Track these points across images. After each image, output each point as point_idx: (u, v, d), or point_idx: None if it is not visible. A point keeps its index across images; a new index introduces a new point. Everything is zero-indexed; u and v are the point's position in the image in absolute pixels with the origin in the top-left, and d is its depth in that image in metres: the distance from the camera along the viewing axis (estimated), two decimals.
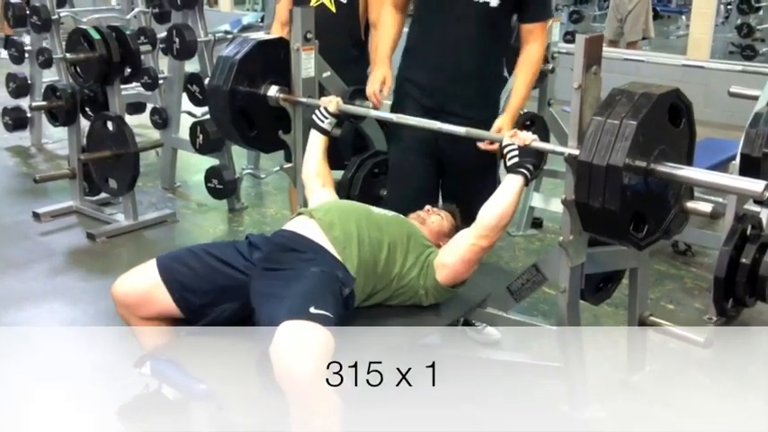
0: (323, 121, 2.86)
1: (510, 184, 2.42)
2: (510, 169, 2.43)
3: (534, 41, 2.86)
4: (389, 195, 3.10)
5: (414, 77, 2.94)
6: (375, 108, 2.96)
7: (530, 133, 2.44)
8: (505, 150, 2.44)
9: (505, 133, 2.49)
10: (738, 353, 3.16)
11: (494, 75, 2.97)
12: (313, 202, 2.75)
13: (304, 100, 2.97)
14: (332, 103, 2.85)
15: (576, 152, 2.18)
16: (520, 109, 2.87)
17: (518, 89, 2.86)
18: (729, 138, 4.81)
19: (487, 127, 2.75)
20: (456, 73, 2.86)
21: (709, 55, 7.44)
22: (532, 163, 2.41)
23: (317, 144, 2.87)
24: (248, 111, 2.99)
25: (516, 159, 2.41)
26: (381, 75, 2.95)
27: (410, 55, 2.98)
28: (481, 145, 2.71)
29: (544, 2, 2.87)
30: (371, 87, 2.96)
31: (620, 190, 2.05)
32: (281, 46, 3.02)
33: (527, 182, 2.43)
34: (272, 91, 2.98)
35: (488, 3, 2.74)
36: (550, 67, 4.04)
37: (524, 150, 2.41)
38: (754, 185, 2.06)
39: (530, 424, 2.70)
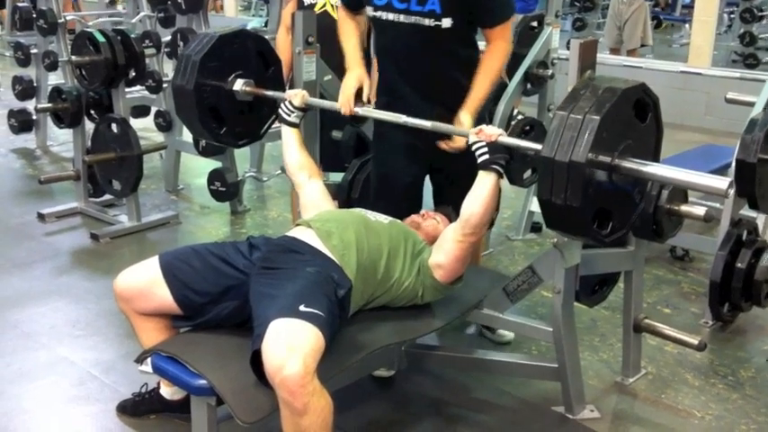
0: (289, 115, 2.83)
1: (484, 183, 2.37)
2: (481, 166, 2.38)
3: (498, 39, 2.73)
4: (375, 197, 3.04)
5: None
6: (348, 114, 2.79)
7: (496, 128, 2.40)
8: (474, 148, 2.40)
9: (471, 131, 2.43)
10: (733, 357, 3.20)
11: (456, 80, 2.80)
12: (304, 199, 2.74)
13: (270, 93, 2.95)
14: (297, 96, 2.84)
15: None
16: (480, 101, 2.71)
17: (478, 82, 2.71)
18: (730, 145, 4.84)
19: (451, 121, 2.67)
20: (417, 79, 2.82)
21: (711, 63, 7.47)
22: (503, 158, 2.37)
23: (290, 138, 2.83)
24: (216, 107, 2.96)
25: (486, 156, 2.37)
26: (355, 78, 2.79)
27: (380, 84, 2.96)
28: (442, 144, 2.66)
29: (501, 4, 2.72)
30: (344, 95, 2.77)
31: (583, 186, 1.98)
32: (242, 38, 3.00)
33: (501, 176, 2.39)
34: (238, 85, 2.94)
35: (440, 24, 2.64)
36: (550, 72, 4.07)
37: (493, 146, 2.37)
38: (719, 183, 2.01)
39: (525, 425, 2.74)
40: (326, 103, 2.92)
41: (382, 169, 3.02)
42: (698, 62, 7.31)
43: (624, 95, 2.03)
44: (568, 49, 2.44)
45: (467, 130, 2.48)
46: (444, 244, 2.49)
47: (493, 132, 2.37)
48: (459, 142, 2.61)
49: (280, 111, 2.87)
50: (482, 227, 2.44)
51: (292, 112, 2.84)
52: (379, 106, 2.86)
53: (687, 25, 10.68)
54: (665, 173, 2.10)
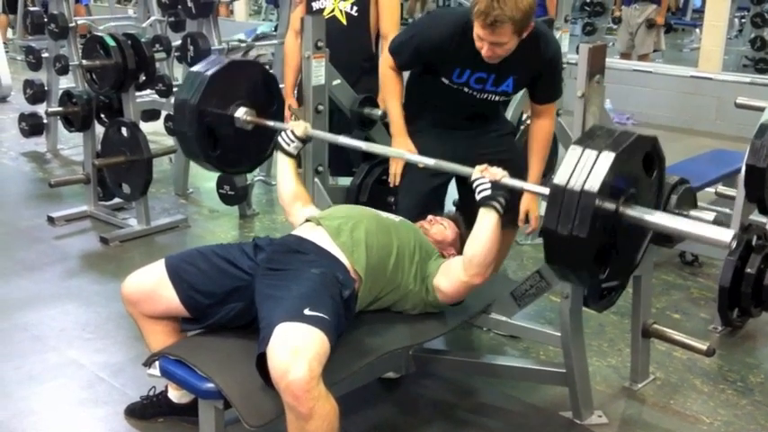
0: (288, 145, 2.81)
1: (484, 222, 2.38)
2: (480, 202, 2.40)
3: (547, 118, 2.97)
4: (400, 201, 3.10)
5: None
6: (393, 184, 2.96)
7: (500, 169, 2.41)
8: (475, 185, 2.42)
9: (476, 168, 2.45)
10: (742, 362, 3.18)
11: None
12: (298, 224, 2.69)
13: (271, 123, 2.93)
14: (299, 127, 2.82)
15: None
16: (539, 180, 2.95)
17: (535, 167, 2.95)
18: (740, 150, 4.83)
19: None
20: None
21: (722, 67, 7.46)
22: (504, 197, 2.38)
23: (287, 168, 2.80)
24: (213, 129, 2.93)
25: (487, 193, 2.39)
26: (405, 151, 2.91)
27: (424, 108, 3.04)
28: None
29: (555, 85, 2.95)
30: (395, 168, 2.94)
31: (592, 218, 1.98)
32: (253, 68, 3.01)
33: (500, 215, 2.39)
34: (240, 112, 2.93)
35: (508, 100, 2.91)
36: None
37: (495, 185, 2.38)
38: (723, 235, 1.98)
39: (532, 430, 2.73)
40: (329, 136, 2.93)
41: (411, 172, 3.03)
42: (708, 67, 7.29)
43: (639, 140, 2.08)
44: (578, 53, 2.43)
45: (470, 169, 2.48)
46: (450, 274, 2.47)
47: (497, 172, 2.40)
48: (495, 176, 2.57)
49: (279, 139, 2.84)
50: (486, 267, 2.41)
51: (292, 141, 2.82)
52: (421, 121, 3.01)
53: (698, 30, 10.65)
54: (668, 222, 2.09)
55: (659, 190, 2.23)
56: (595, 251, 2.05)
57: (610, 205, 2.03)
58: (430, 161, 2.60)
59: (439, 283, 2.48)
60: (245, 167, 3.12)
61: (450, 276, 2.47)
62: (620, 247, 2.13)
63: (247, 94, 2.97)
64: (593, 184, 1.98)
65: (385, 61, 2.99)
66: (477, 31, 2.60)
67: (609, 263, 2.11)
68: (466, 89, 2.86)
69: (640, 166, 2.14)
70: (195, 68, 2.95)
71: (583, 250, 2.03)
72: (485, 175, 2.40)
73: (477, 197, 2.40)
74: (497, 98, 2.93)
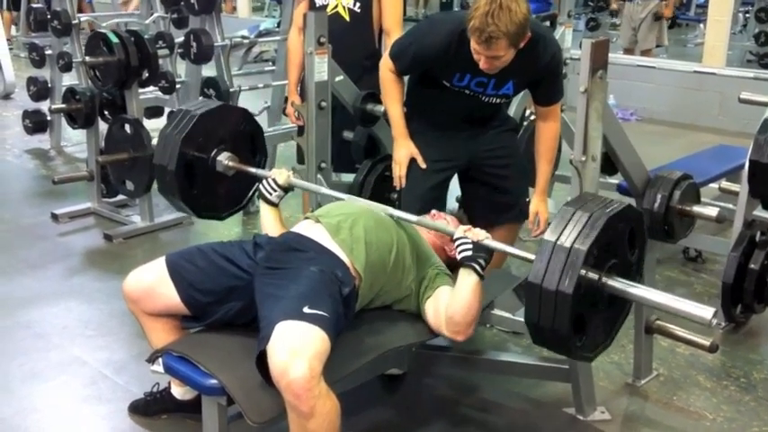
0: (270, 194, 2.73)
1: (465, 282, 2.32)
2: (461, 262, 2.34)
3: (551, 120, 2.98)
4: (402, 198, 3.09)
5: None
6: (398, 187, 3.00)
7: (483, 231, 2.35)
8: (456, 244, 2.35)
9: (459, 228, 2.39)
10: (745, 359, 3.18)
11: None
12: None
13: (252, 170, 2.88)
14: (281, 175, 2.74)
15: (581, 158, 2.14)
16: (547, 184, 3.02)
17: (543, 169, 2.99)
18: (744, 145, 4.82)
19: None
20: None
21: (725, 63, 7.44)
22: (484, 258, 2.32)
23: (270, 217, 2.73)
24: (194, 168, 2.86)
25: (468, 253, 2.32)
26: (405, 154, 2.96)
27: (426, 109, 3.05)
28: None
29: (556, 86, 2.95)
30: (399, 167, 2.98)
31: (570, 315, 1.93)
32: (243, 116, 2.98)
33: (480, 277, 2.32)
34: (223, 156, 2.86)
35: (508, 102, 2.93)
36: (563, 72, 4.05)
37: (477, 246, 2.32)
38: (704, 312, 1.90)
39: (535, 426, 2.73)
40: (312, 186, 2.90)
41: (415, 169, 3.04)
42: (712, 62, 7.27)
43: (626, 211, 2.05)
44: (581, 48, 2.43)
45: (452, 228, 2.43)
46: (437, 315, 2.41)
47: (480, 234, 2.33)
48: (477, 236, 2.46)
49: (261, 188, 2.76)
50: (467, 326, 2.35)
51: (275, 190, 2.74)
52: (423, 120, 3.04)
53: (702, 25, 10.64)
54: (651, 296, 2.02)
55: (638, 269, 2.17)
56: (575, 314, 1.98)
57: (593, 275, 1.98)
58: (413, 218, 2.52)
59: (427, 311, 2.45)
60: (219, 213, 3.05)
61: (435, 320, 2.42)
62: (598, 318, 2.08)
63: (233, 141, 2.92)
64: (568, 286, 1.91)
65: (385, 64, 3.00)
66: (474, 45, 2.62)
67: (586, 331, 2.04)
68: (467, 91, 2.88)
69: (626, 238, 2.09)
70: (186, 106, 2.93)
71: (566, 340, 1.98)
72: (467, 236, 2.34)
73: (458, 257, 2.35)
74: (498, 101, 2.95)
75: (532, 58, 2.76)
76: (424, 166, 2.97)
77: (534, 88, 2.95)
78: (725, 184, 3.87)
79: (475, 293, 2.30)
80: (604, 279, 2.00)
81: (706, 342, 2.83)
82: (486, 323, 3.18)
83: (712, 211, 2.64)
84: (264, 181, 2.76)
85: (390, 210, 2.57)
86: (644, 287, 2.05)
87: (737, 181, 3.58)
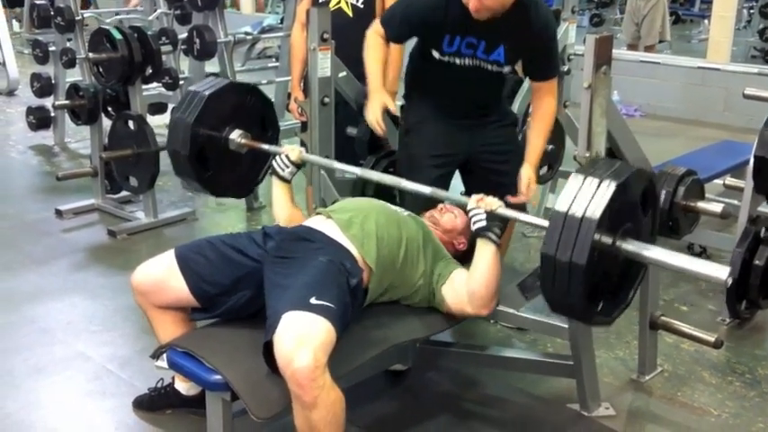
0: (283, 170, 2.77)
1: (482, 252, 2.37)
2: (476, 233, 2.39)
3: (546, 95, 2.90)
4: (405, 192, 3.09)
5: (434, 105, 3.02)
6: (381, 135, 2.93)
7: (496, 199, 2.39)
8: (471, 214, 2.39)
9: (473, 197, 2.42)
10: (750, 354, 3.17)
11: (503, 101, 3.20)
12: None
13: (266, 147, 2.90)
14: (294, 151, 2.77)
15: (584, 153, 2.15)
16: (539, 157, 2.90)
17: (535, 141, 2.89)
18: (748, 141, 4.81)
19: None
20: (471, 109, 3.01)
21: (730, 58, 7.42)
22: (499, 227, 2.37)
23: (281, 193, 2.78)
24: (207, 150, 2.88)
25: (482, 224, 2.36)
26: (379, 103, 2.87)
27: (424, 95, 3.04)
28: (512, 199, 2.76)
29: (550, 61, 2.89)
30: (373, 115, 2.86)
31: (591, 246, 1.93)
32: (251, 92, 2.98)
33: (497, 246, 2.37)
34: (235, 134, 2.88)
35: (501, 71, 2.86)
36: (566, 68, 4.04)
37: (491, 216, 2.36)
38: (719, 272, 1.93)
39: (539, 422, 2.73)
40: (323, 161, 2.90)
41: (413, 150, 3.04)
42: (716, 58, 7.25)
43: (638, 173, 2.06)
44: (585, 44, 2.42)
45: (466, 198, 2.45)
46: (457, 296, 2.45)
47: (493, 203, 2.36)
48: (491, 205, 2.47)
49: (274, 164, 2.80)
50: (491, 299, 2.41)
51: (287, 166, 2.77)
52: (423, 110, 3.02)
53: (706, 21, 10.61)
54: (665, 258, 2.02)
55: (652, 231, 2.18)
56: (591, 283, 1.99)
57: (606, 239, 1.99)
58: (426, 189, 2.55)
59: (446, 297, 2.47)
60: (236, 192, 3.04)
61: (456, 300, 2.45)
62: (614, 283, 2.09)
63: (244, 118, 2.92)
64: (595, 214, 1.93)
65: (374, 30, 2.95)
66: None
67: (602, 297, 2.06)
68: (458, 60, 2.82)
69: (638, 201, 2.09)
70: (193, 88, 2.92)
71: (581, 309, 2.01)
72: (480, 206, 2.37)
73: (473, 228, 2.39)
74: (491, 68, 2.85)
75: (524, 23, 2.72)
76: (393, 108, 2.93)
77: (528, 60, 2.90)
78: (729, 179, 3.86)
79: (494, 263, 2.36)
80: (618, 243, 2.02)
81: (711, 338, 2.83)
82: (490, 319, 3.17)
83: (717, 207, 2.63)
84: (278, 157, 2.80)
85: (404, 182, 2.60)
86: (659, 248, 2.06)
87: (742, 177, 3.57)
